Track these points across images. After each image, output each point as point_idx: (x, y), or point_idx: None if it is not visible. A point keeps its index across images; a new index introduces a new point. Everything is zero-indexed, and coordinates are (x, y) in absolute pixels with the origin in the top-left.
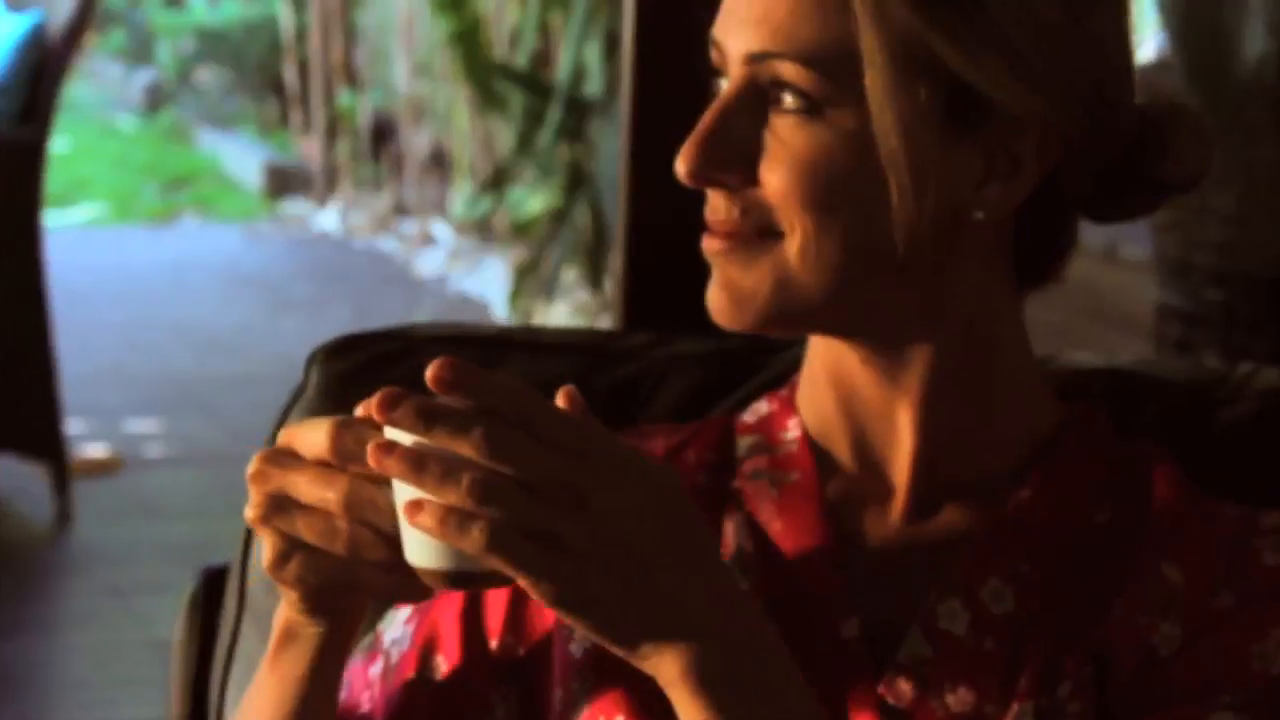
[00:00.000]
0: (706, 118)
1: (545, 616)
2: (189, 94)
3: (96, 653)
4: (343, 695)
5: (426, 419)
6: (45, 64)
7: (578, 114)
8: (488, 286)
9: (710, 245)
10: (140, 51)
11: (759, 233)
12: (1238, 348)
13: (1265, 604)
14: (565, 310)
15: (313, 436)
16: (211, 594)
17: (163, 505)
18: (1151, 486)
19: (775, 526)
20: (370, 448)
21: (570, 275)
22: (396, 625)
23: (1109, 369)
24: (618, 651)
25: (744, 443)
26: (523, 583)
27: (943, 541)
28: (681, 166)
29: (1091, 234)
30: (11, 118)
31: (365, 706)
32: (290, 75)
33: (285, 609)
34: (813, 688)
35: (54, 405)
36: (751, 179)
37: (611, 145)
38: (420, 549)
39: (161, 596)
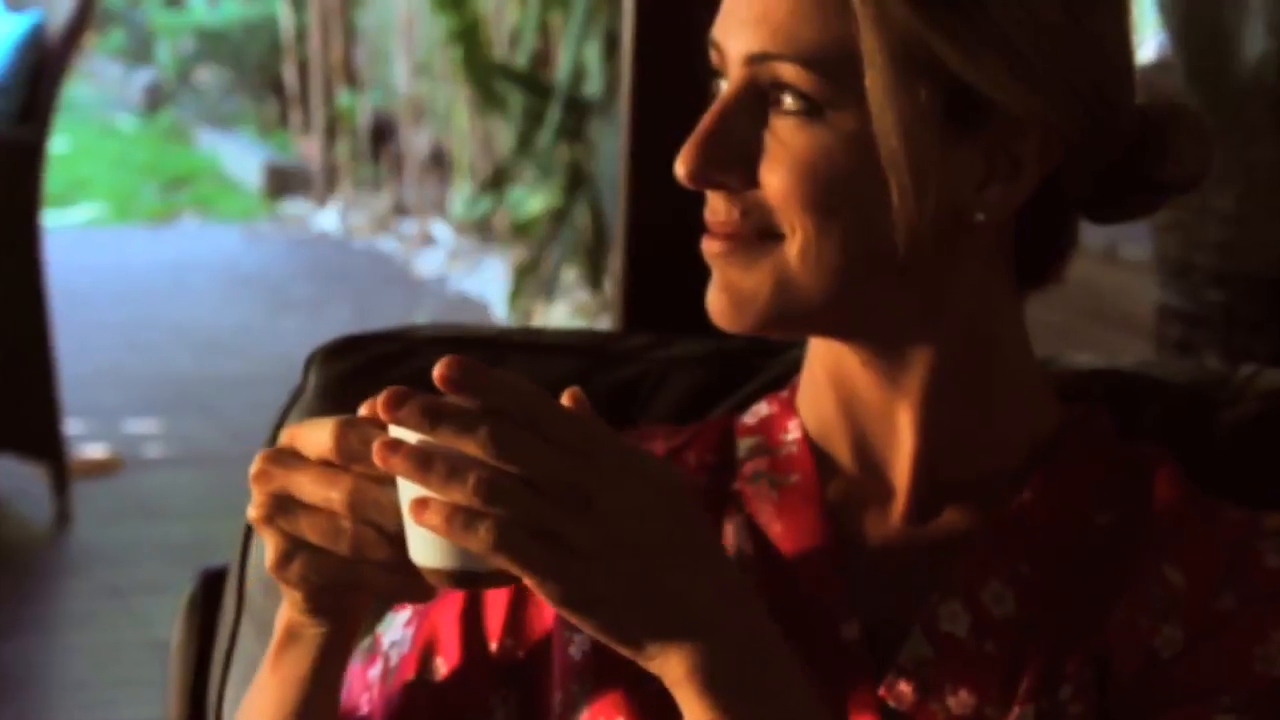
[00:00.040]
0: (706, 119)
1: (545, 619)
2: (188, 94)
3: (96, 653)
4: (341, 697)
5: (432, 417)
6: (44, 64)
7: (577, 114)
8: (487, 286)
9: (710, 247)
10: (140, 51)
11: (759, 234)
12: (1239, 348)
13: (1267, 606)
14: (565, 310)
15: (316, 436)
16: (210, 596)
17: (162, 506)
18: (1153, 488)
19: (775, 528)
20: (376, 446)
21: (570, 275)
22: (395, 628)
23: (1110, 370)
24: (624, 651)
25: (744, 444)
26: (529, 582)
27: (943, 543)
28: (681, 168)
29: (1092, 234)
30: (11, 118)
31: (364, 709)
32: (290, 75)
33: (287, 609)
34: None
35: (53, 406)
36: (752, 180)
37: (611, 145)
38: (425, 548)
39: (161, 597)
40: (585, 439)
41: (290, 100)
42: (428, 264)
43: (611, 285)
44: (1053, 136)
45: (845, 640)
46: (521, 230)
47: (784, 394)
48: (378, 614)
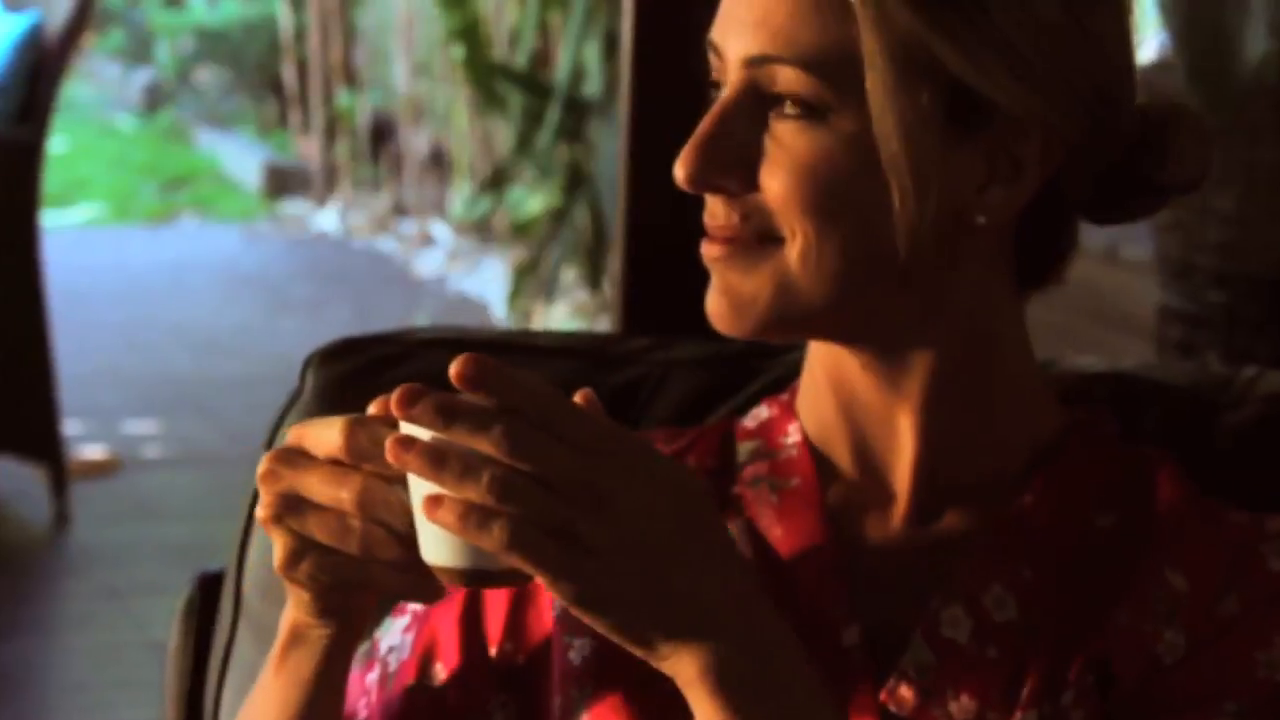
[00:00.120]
0: (705, 122)
1: (545, 623)
2: (188, 94)
3: (94, 654)
4: None
5: (446, 415)
6: (43, 64)
7: (577, 114)
8: (487, 287)
9: (709, 251)
10: (139, 51)
11: (759, 238)
12: (1240, 350)
13: (1270, 610)
14: (565, 311)
15: (325, 435)
16: (207, 599)
17: (161, 506)
18: (1155, 491)
19: (775, 532)
20: (389, 443)
21: (569, 275)
22: (394, 633)
23: (1112, 373)
24: (636, 651)
25: (744, 448)
26: (542, 581)
27: (944, 547)
28: (680, 172)
29: (1092, 235)
30: (9, 117)
31: (362, 714)
32: (289, 75)
33: (293, 610)
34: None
35: (52, 406)
36: (751, 184)
37: (611, 145)
38: (437, 547)
39: (160, 598)
40: (600, 438)
41: (290, 100)
42: (427, 264)
43: (611, 286)
44: (1054, 138)
45: (846, 645)
46: (521, 230)
47: (784, 397)
48: (377, 618)
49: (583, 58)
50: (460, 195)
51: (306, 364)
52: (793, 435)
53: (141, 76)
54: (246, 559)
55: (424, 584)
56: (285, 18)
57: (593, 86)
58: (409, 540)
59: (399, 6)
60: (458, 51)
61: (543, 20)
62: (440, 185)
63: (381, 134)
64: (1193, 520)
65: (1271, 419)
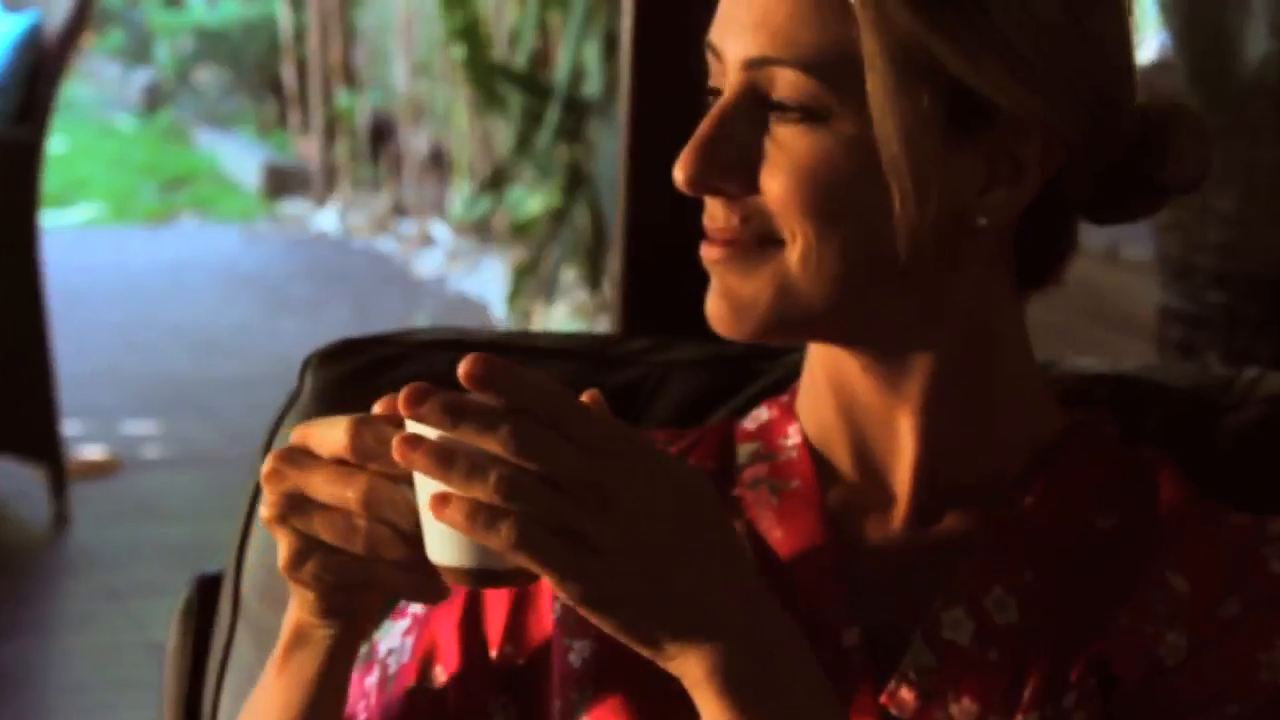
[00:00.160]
0: (705, 125)
1: (545, 626)
2: (187, 94)
3: (94, 655)
4: None
5: (454, 414)
6: (42, 64)
7: (576, 114)
8: (487, 287)
9: (709, 253)
10: (139, 51)
11: (759, 241)
12: (1240, 350)
13: (1272, 612)
14: (564, 311)
15: (330, 435)
16: (205, 601)
17: (160, 507)
18: (1156, 492)
19: (775, 535)
20: (396, 441)
21: (569, 276)
22: (393, 636)
23: (1113, 374)
24: (643, 651)
25: (744, 450)
26: (549, 581)
27: (944, 549)
28: (680, 174)
29: (1093, 235)
30: (9, 117)
31: (361, 716)
32: (289, 75)
33: (296, 611)
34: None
35: (51, 407)
36: (751, 186)
37: (610, 146)
38: (443, 546)
39: (159, 599)
40: (607, 439)
41: (289, 100)
42: (427, 264)
43: (610, 286)
44: (1054, 139)
45: (846, 646)
46: (521, 231)
47: (784, 398)
48: (379, 619)
49: (582, 58)
50: (460, 195)
51: (305, 365)
52: (793, 437)
53: (141, 76)
54: (245, 561)
55: (429, 584)
56: (285, 18)
57: (592, 86)
58: (414, 540)
59: (399, 6)
60: (457, 51)
61: (542, 20)
62: (440, 185)
63: (381, 134)
64: (1194, 522)
65: (1273, 421)
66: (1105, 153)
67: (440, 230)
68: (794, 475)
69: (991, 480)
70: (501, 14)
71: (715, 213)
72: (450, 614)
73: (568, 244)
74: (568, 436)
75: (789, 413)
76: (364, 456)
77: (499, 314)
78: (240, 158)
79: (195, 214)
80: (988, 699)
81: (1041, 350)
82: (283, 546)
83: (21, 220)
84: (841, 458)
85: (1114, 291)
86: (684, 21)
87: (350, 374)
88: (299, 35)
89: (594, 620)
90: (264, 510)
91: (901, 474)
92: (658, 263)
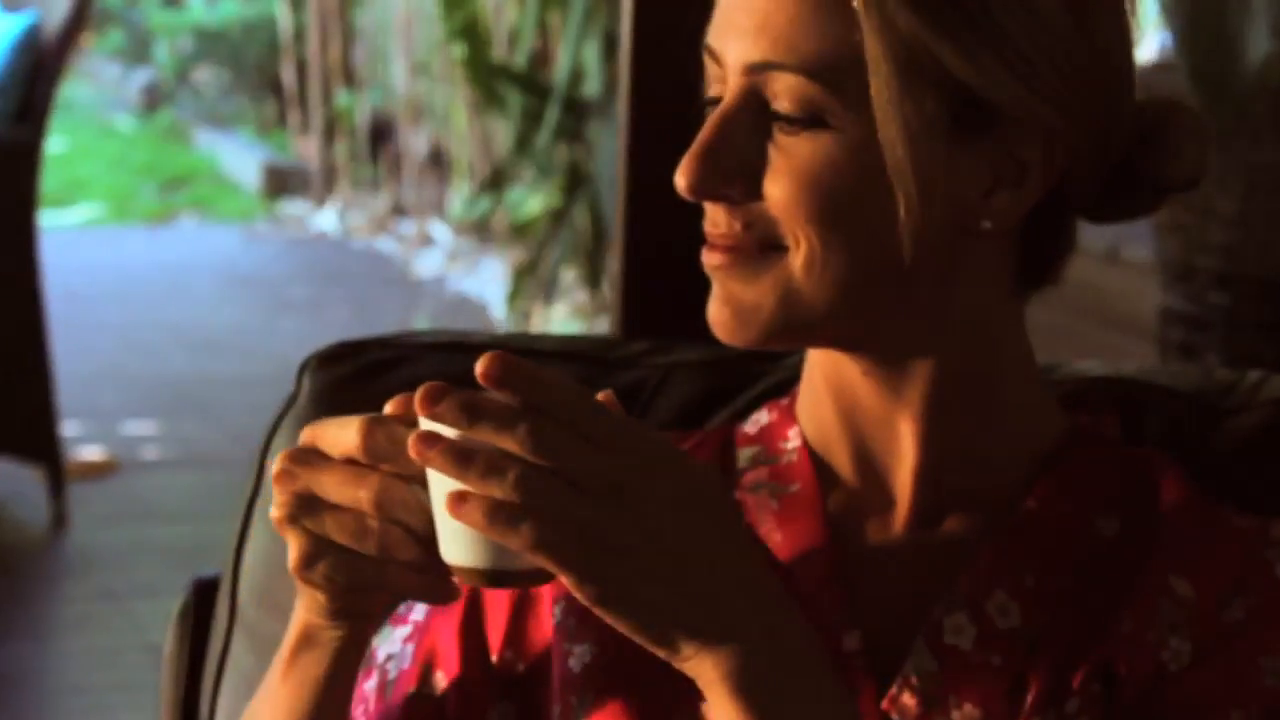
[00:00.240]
0: (705, 131)
1: (545, 631)
2: (187, 94)
3: (92, 657)
4: None
5: (470, 413)
6: (41, 64)
7: (576, 114)
8: (486, 287)
9: (711, 259)
10: (138, 51)
11: (762, 246)
12: (1241, 351)
13: (1276, 616)
14: (564, 311)
15: (342, 435)
16: (202, 604)
17: (159, 508)
18: (1159, 496)
19: (775, 538)
20: (412, 439)
21: (569, 276)
22: (393, 642)
23: (1115, 377)
24: (658, 652)
25: (744, 454)
26: (566, 581)
27: (946, 553)
28: (681, 181)
29: (1094, 236)
30: (7, 118)
31: None
32: (288, 75)
33: (304, 613)
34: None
35: (50, 407)
36: (753, 192)
37: (610, 146)
38: (457, 547)
39: (158, 600)
40: (625, 437)
41: (289, 100)
42: (426, 264)
43: (610, 287)
44: (1058, 141)
45: (846, 650)
46: (520, 231)
47: (784, 401)
48: (380, 622)
49: (582, 58)
50: (459, 195)
51: (303, 367)
52: (793, 440)
53: (140, 76)
54: (242, 565)
55: (440, 585)
56: (284, 18)
57: (592, 87)
58: (426, 540)
59: (398, 6)
60: (457, 51)
61: (542, 20)
62: (439, 185)
63: (381, 134)
64: (1197, 526)
65: (1277, 424)
66: (1107, 153)
67: (440, 230)
68: (794, 479)
69: (993, 484)
70: (501, 14)
71: (717, 218)
72: (450, 620)
73: (567, 244)
74: (585, 435)
75: (789, 416)
76: (376, 457)
77: (499, 314)
78: (240, 158)
79: (195, 214)
80: (990, 704)
81: (1042, 351)
82: (293, 547)
83: (20, 220)
84: (842, 461)
85: (1115, 293)
86: (683, 21)
87: (348, 376)
88: (298, 35)
89: (610, 621)
90: (274, 511)
91: (902, 478)
92: (657, 263)
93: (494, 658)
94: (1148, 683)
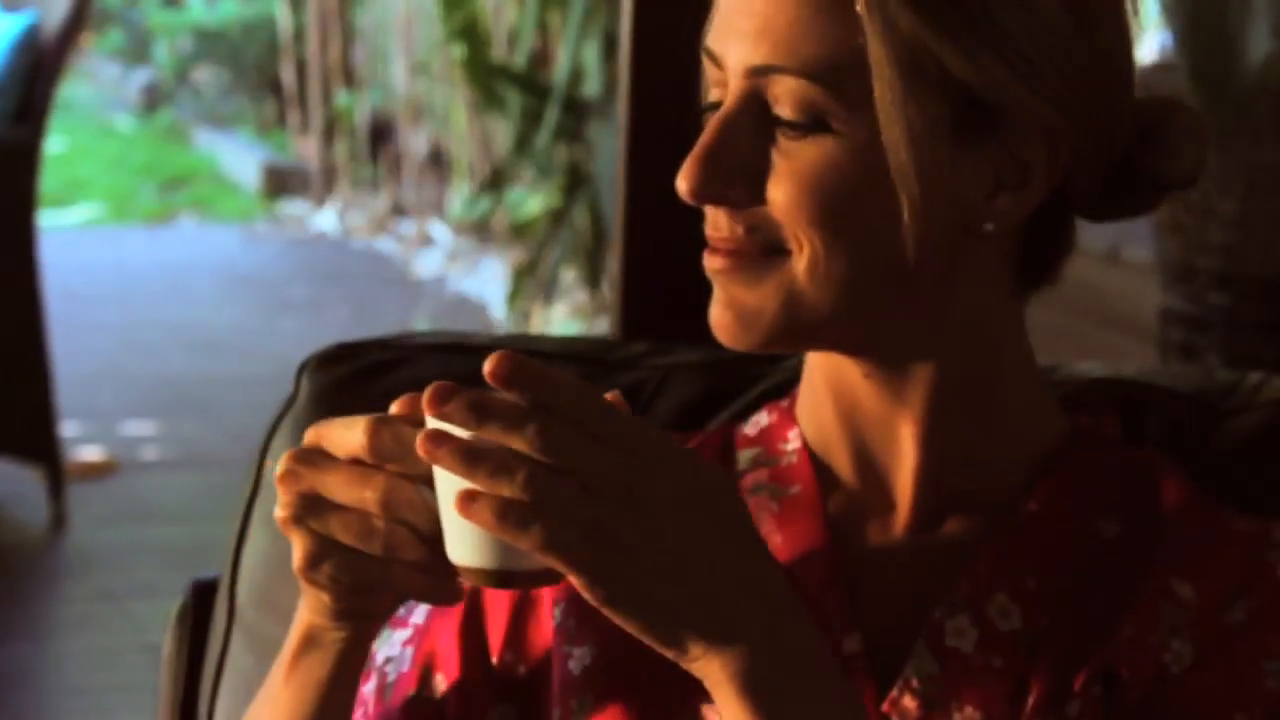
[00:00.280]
0: (707, 134)
1: (545, 634)
2: (186, 94)
3: (92, 658)
4: None
5: (479, 413)
6: (41, 63)
7: (576, 114)
8: (486, 287)
9: (712, 263)
10: (138, 51)
11: (764, 250)
12: (1242, 352)
13: (1278, 619)
14: (564, 311)
15: (348, 435)
16: (201, 606)
17: (159, 508)
18: (1160, 498)
19: (775, 540)
20: (421, 437)
21: (569, 276)
22: (392, 645)
23: (1116, 379)
24: (666, 652)
25: (744, 456)
26: (575, 582)
27: (946, 556)
28: (683, 185)
29: (1094, 236)
30: (7, 117)
31: None
32: (288, 75)
33: (307, 614)
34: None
35: (49, 407)
36: (756, 195)
37: (610, 146)
38: (464, 547)
39: (157, 601)
40: (633, 436)
41: (288, 100)
42: (426, 265)
43: (609, 288)
44: (1060, 142)
45: (846, 652)
46: (520, 231)
47: (784, 403)
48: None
49: (582, 58)
50: (459, 195)
51: (301, 369)
52: (793, 442)
53: (140, 76)
54: (240, 567)
55: (444, 585)
56: (284, 17)
57: (592, 87)
58: (432, 541)
59: (398, 6)
60: (457, 51)
61: (542, 20)
62: (439, 185)
63: (380, 134)
64: (1198, 527)
65: (1277, 425)
66: (1108, 153)
67: (439, 230)
68: (794, 480)
69: (994, 486)
70: (501, 14)
71: (719, 222)
72: (450, 622)
73: (567, 244)
74: (594, 435)
75: (789, 417)
76: (382, 457)
77: (498, 314)
78: (239, 158)
79: (194, 214)
80: (991, 707)
81: (1042, 352)
82: (298, 548)
83: (20, 220)
84: (842, 463)
85: (1115, 293)
86: (683, 21)
87: (347, 378)
88: (298, 35)
89: (618, 621)
90: (279, 511)
91: (903, 480)
92: (657, 264)
93: (494, 660)
94: (1149, 685)
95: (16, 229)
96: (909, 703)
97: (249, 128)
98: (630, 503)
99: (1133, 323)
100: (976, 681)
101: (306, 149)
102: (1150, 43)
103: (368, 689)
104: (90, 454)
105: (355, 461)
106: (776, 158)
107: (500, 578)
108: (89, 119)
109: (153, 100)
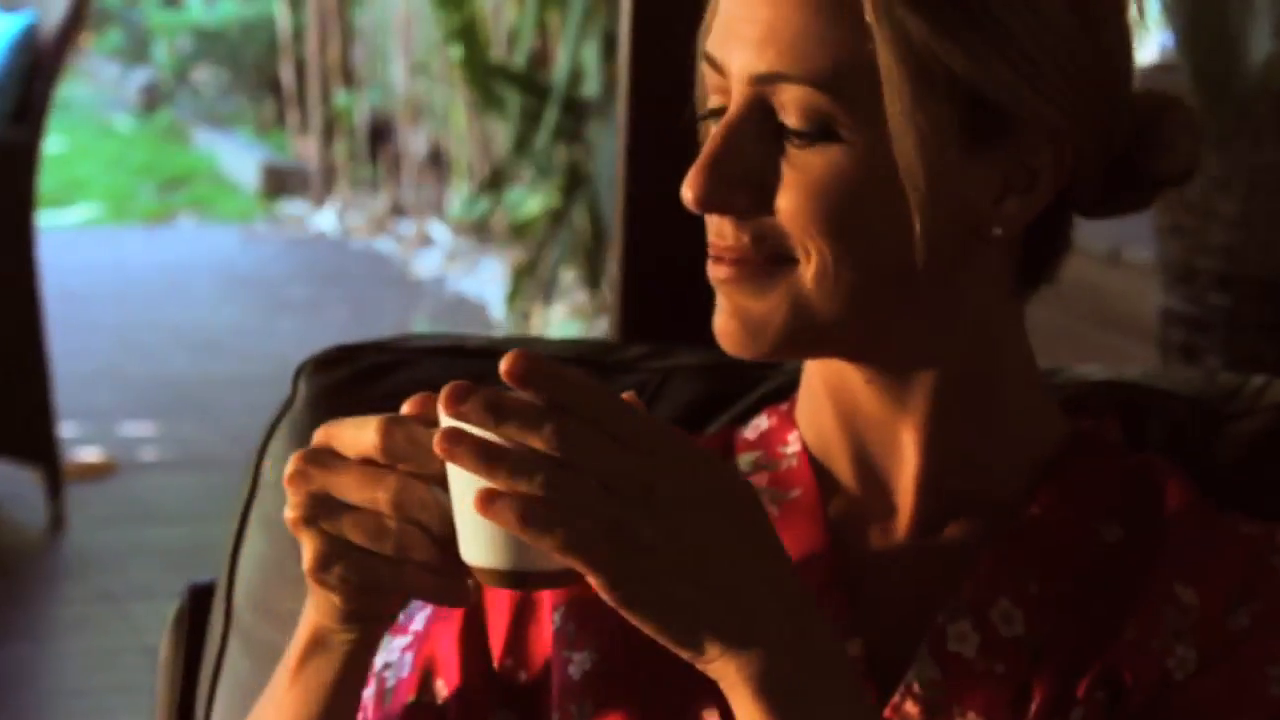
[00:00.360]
0: (712, 142)
1: (546, 639)
2: (186, 94)
3: (90, 659)
4: None
5: (496, 413)
6: (39, 63)
7: (575, 115)
8: (485, 287)
9: (717, 272)
10: (137, 51)
11: (771, 259)
12: (1243, 352)
13: None
14: (563, 311)
15: (360, 435)
16: (197, 609)
17: (157, 509)
18: (1162, 502)
19: None
20: (438, 436)
21: (568, 276)
22: (392, 651)
23: (1117, 382)
24: (681, 654)
25: (744, 460)
26: (594, 582)
27: (948, 561)
28: (689, 194)
29: (1095, 237)
30: (5, 117)
31: None
32: (287, 75)
33: (315, 616)
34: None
35: (48, 408)
36: (761, 203)
37: (609, 146)
38: (479, 547)
39: (155, 602)
40: (652, 437)
41: (288, 100)
42: (425, 265)
43: (609, 288)
44: (1065, 145)
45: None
46: (520, 231)
47: (783, 407)
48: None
49: (581, 58)
50: (459, 196)
51: (299, 372)
52: (793, 445)
53: (139, 76)
54: (237, 570)
55: (455, 586)
56: (283, 17)
57: (591, 87)
58: (444, 541)
59: (397, 6)
60: (456, 51)
61: (541, 20)
62: (438, 186)
63: (380, 134)
64: (1201, 531)
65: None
66: (1109, 152)
67: (439, 231)
68: (794, 484)
69: (995, 491)
70: (500, 14)
71: (724, 230)
72: (450, 628)
73: (566, 245)
74: (612, 434)
75: (789, 421)
76: (394, 457)
77: (498, 314)
78: (238, 158)
79: (193, 214)
80: (994, 713)
81: (1043, 353)
82: (308, 549)
83: (18, 220)
84: (842, 467)
85: (1116, 294)
86: (683, 22)
87: (344, 380)
88: (297, 35)
89: (635, 622)
90: (289, 512)
91: (904, 484)
92: (657, 266)
93: (495, 666)
94: (1153, 691)
95: (15, 229)
96: (911, 708)
97: (248, 128)
98: (649, 502)
99: (1133, 324)
100: (979, 687)
101: (306, 149)
102: (1152, 43)
103: (366, 694)
104: (89, 455)
105: (366, 462)
106: (783, 166)
107: (515, 578)
108: (88, 119)
109: (152, 100)
